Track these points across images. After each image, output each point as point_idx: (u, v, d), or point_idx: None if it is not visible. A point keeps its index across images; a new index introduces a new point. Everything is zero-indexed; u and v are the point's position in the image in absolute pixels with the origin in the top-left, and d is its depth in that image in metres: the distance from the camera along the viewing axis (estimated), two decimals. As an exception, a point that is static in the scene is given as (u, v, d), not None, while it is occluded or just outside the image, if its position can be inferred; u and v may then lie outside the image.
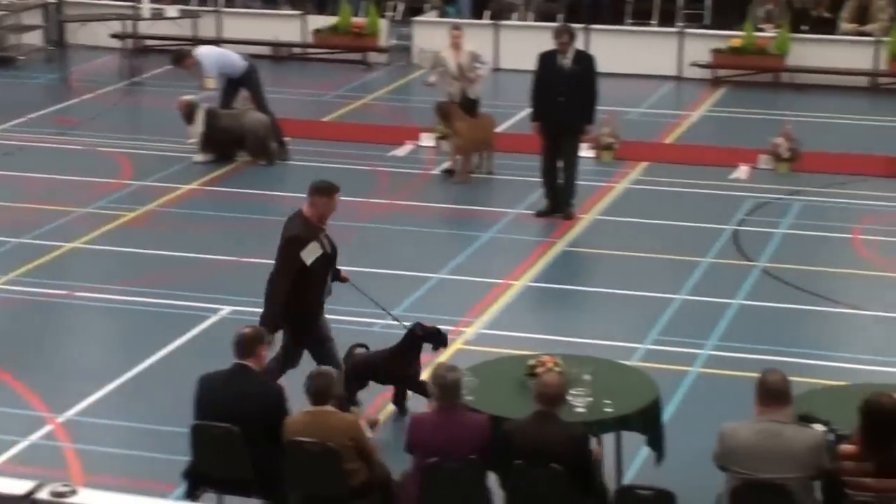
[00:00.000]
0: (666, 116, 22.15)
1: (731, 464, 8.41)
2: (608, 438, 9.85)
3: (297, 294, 10.95)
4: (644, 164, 19.24)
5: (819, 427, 8.67)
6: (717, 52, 24.31)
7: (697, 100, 23.30)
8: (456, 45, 18.70)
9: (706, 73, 24.45)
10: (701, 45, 24.50)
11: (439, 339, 11.43)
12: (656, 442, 9.85)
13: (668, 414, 11.03)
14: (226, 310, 13.80)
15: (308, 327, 11.13)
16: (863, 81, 24.02)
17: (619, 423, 9.59)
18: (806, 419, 8.78)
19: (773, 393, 8.40)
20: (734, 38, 24.29)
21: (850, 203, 17.57)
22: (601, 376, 9.89)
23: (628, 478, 10.23)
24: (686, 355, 12.83)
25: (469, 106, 18.58)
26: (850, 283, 14.88)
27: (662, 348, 13.04)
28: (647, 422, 9.72)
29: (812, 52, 24.12)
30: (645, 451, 10.28)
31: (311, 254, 10.93)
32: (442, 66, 18.78)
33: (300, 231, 10.99)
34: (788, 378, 8.52)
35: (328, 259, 11.12)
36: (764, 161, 19.01)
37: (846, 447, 8.29)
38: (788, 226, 16.66)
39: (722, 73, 24.41)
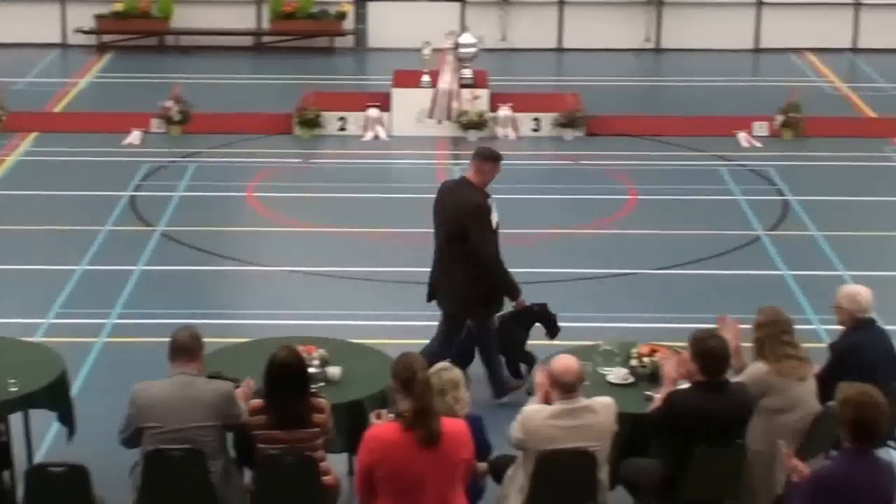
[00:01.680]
0: (53, 85, 21.72)
1: (147, 420, 8.39)
2: (16, 419, 9.60)
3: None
4: (34, 135, 18.83)
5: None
6: (100, 17, 24.04)
7: (84, 67, 22.98)
8: None
9: (91, 40, 24.14)
10: (84, 11, 24.13)
11: (553, 326, 11.21)
12: (66, 417, 9.69)
13: (77, 387, 10.88)
14: None
15: (490, 304, 10.88)
16: (247, 41, 24.44)
17: (26, 402, 9.38)
18: (216, 378, 8.87)
19: (181, 348, 8.54)
20: (117, 2, 24.09)
21: (243, 161, 17.88)
22: (3, 356, 9.64)
23: (40, 456, 10.03)
24: (91, 326, 12.68)
25: None
26: (250, 240, 15.15)
27: (66, 321, 12.83)
28: (55, 398, 9.56)
29: (196, 14, 24.29)
30: (56, 428, 10.09)
31: (494, 218, 10.70)
32: None
33: (480, 198, 10.68)
34: (199, 334, 8.61)
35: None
36: (156, 125, 19.02)
37: (253, 402, 8.47)
38: (185, 188, 16.74)
39: (107, 38, 24.17)
